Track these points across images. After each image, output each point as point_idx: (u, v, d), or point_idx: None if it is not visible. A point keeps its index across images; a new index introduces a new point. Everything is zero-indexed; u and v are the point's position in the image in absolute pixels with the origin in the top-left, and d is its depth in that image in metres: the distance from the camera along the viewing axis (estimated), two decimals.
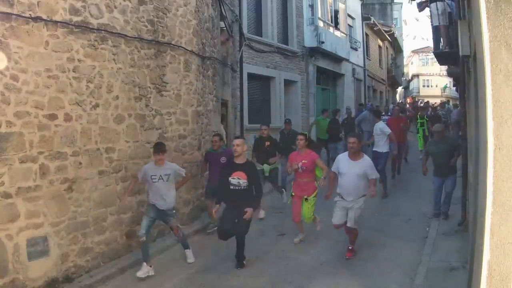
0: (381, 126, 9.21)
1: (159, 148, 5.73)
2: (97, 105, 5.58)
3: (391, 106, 21.68)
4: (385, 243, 6.32)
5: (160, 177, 5.61)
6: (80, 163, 5.34)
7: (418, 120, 13.26)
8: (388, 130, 9.08)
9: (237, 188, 5.58)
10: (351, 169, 5.65)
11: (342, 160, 5.87)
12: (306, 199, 6.28)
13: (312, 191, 6.32)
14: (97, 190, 5.58)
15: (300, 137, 6.53)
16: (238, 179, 5.59)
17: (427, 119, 13.23)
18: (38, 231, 4.81)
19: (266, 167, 8.32)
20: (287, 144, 9.12)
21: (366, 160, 5.79)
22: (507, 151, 2.15)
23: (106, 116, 5.74)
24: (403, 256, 5.81)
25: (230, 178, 5.62)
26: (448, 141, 7.35)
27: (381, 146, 9.14)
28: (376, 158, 8.77)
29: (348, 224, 5.74)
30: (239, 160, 5.71)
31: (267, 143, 8.51)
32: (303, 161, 6.23)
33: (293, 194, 6.46)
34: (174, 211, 5.80)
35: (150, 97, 6.48)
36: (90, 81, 5.47)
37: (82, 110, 5.37)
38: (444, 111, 17.86)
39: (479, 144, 3.26)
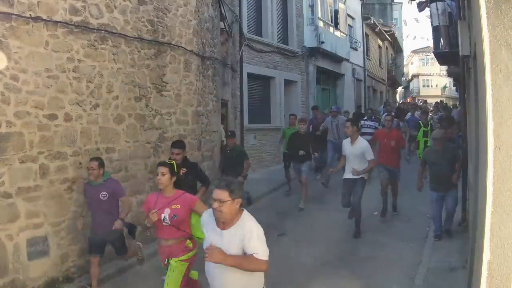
0: (363, 146, 6.55)
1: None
2: (97, 105, 5.58)
3: (381, 108, 18.49)
4: (385, 243, 6.32)
5: None
6: (80, 163, 5.34)
7: (422, 129, 9.85)
8: (370, 155, 6.51)
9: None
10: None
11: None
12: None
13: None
14: None
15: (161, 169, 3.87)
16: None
17: (431, 127, 9.95)
18: (38, 231, 4.80)
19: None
20: (231, 165, 7.46)
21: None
22: (507, 151, 2.15)
23: (106, 116, 5.73)
24: (403, 256, 5.81)
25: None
26: (449, 150, 6.37)
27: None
28: (348, 187, 6.67)
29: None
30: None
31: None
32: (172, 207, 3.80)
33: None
34: None
35: (150, 97, 6.48)
36: (90, 81, 5.47)
37: (82, 110, 5.37)
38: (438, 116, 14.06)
39: (479, 144, 3.26)
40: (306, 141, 8.54)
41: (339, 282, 5.08)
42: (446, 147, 6.40)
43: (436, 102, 21.41)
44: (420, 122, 10.30)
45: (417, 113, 14.06)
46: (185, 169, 5.21)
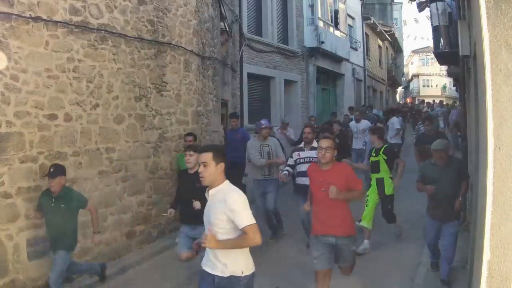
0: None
1: None
2: (97, 105, 5.58)
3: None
4: (385, 243, 6.32)
5: None
6: (80, 163, 5.34)
7: (372, 157, 6.22)
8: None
9: None
10: None
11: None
12: None
13: None
14: (97, 190, 5.58)
15: None
16: None
17: (385, 153, 6.09)
18: (38, 231, 4.80)
19: None
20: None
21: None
22: (507, 151, 2.14)
23: (106, 116, 5.73)
24: (403, 256, 5.81)
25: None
26: (453, 165, 4.92)
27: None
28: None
29: None
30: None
31: None
32: None
33: None
34: None
35: (150, 97, 6.48)
36: (90, 81, 5.47)
37: (82, 110, 5.37)
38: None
39: (479, 144, 3.26)
40: None
41: (339, 282, 5.06)
42: (450, 160, 4.96)
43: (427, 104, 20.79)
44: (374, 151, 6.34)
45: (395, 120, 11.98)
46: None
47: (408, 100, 33.27)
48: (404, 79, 41.50)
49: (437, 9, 7.99)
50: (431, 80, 48.63)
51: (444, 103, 21.67)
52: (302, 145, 6.24)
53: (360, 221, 6.06)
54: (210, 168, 2.87)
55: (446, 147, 4.99)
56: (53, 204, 4.46)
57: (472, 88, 4.67)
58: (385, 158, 6.12)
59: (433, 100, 29.75)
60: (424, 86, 49.19)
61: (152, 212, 6.54)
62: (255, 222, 2.79)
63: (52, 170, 4.43)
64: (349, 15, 19.85)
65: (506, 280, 2.15)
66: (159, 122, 6.68)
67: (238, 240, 2.80)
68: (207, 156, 2.87)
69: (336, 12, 17.24)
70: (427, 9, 8.96)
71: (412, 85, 49.04)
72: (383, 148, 6.21)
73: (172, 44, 6.91)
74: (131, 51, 6.11)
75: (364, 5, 23.23)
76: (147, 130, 6.44)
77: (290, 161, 6.13)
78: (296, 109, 14.67)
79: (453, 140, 13.99)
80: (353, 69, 20.27)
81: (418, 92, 47.27)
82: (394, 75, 30.29)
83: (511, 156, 2.14)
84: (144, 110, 6.39)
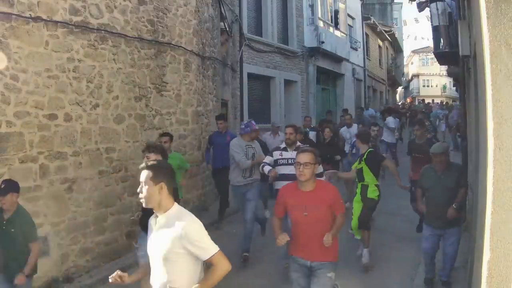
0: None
1: None
2: (97, 105, 5.58)
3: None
4: (385, 243, 6.32)
5: None
6: (80, 163, 5.34)
7: (357, 164, 5.76)
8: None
9: None
10: None
11: None
12: None
13: None
14: (97, 190, 5.58)
15: None
16: None
17: (366, 159, 5.59)
18: (38, 231, 4.78)
19: None
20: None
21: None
22: (507, 151, 2.14)
23: (106, 116, 5.73)
24: (403, 256, 5.81)
25: None
26: (452, 171, 4.61)
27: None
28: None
29: None
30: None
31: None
32: None
33: None
34: None
35: (150, 97, 6.48)
36: (90, 81, 5.47)
37: (82, 110, 5.37)
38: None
39: (479, 144, 3.26)
40: None
41: (339, 282, 5.07)
42: (450, 166, 4.66)
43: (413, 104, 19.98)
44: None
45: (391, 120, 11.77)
46: None
47: (408, 100, 33.26)
48: (404, 79, 41.52)
49: (437, 9, 7.98)
50: (431, 80, 48.64)
51: (445, 103, 21.50)
52: (283, 145, 5.55)
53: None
54: (149, 189, 2.42)
55: (446, 150, 4.67)
56: (4, 227, 3.80)
57: (472, 88, 4.67)
58: (367, 165, 5.57)
59: (433, 100, 29.70)
60: (424, 86, 49.20)
61: None
62: (218, 248, 2.43)
63: (2, 186, 3.80)
64: (349, 15, 19.86)
65: (506, 280, 2.15)
66: (159, 122, 6.68)
67: (211, 279, 2.41)
68: (144, 175, 2.44)
69: (336, 12, 17.25)
70: (427, 9, 8.96)
71: (412, 85, 49.06)
72: (365, 154, 5.66)
73: (172, 44, 6.91)
74: (131, 51, 6.11)
75: (364, 5, 23.24)
76: (147, 130, 6.44)
77: (268, 159, 5.51)
78: (296, 109, 14.67)
79: (453, 141, 14.00)
80: (353, 69, 20.27)
81: (418, 92, 47.28)
82: (394, 75, 30.30)
83: (511, 156, 2.14)
84: (144, 110, 6.39)
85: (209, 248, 2.40)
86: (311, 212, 3.32)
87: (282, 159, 5.36)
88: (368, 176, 5.58)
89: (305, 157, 3.34)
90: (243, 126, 6.10)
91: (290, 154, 5.24)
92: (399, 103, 31.48)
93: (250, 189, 5.92)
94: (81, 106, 5.35)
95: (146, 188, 2.44)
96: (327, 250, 3.34)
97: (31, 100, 4.75)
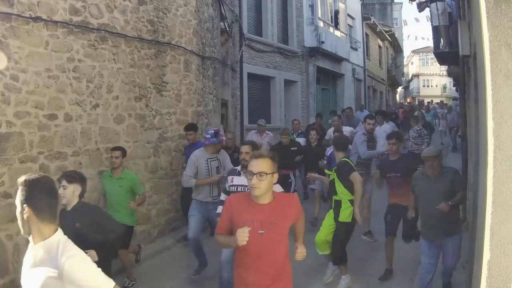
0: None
1: None
2: (97, 105, 5.58)
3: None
4: (385, 243, 6.30)
5: None
6: (80, 163, 5.34)
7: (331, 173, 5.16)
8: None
9: None
10: None
11: None
12: None
13: None
14: (97, 190, 5.58)
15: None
16: None
17: (336, 170, 4.94)
18: None
19: None
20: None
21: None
22: (507, 151, 2.15)
23: (106, 116, 5.74)
24: (403, 256, 5.81)
25: None
26: (446, 177, 4.25)
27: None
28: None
29: None
30: None
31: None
32: None
33: None
34: None
35: (150, 97, 6.48)
36: (90, 81, 5.47)
37: (82, 110, 5.37)
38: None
39: (479, 144, 3.26)
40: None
41: (339, 282, 5.07)
42: (443, 171, 4.29)
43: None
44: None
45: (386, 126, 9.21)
46: None
47: (408, 100, 33.23)
48: (404, 79, 41.50)
49: (437, 9, 7.98)
50: (431, 80, 48.65)
51: (445, 102, 21.43)
52: (239, 168, 4.36)
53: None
54: (19, 215, 1.93)
55: (439, 154, 4.27)
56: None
57: (472, 88, 4.67)
58: (338, 177, 4.81)
59: (432, 100, 29.64)
60: (424, 86, 49.21)
61: (152, 212, 6.54)
62: (114, 283, 1.95)
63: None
64: (349, 15, 19.86)
65: (506, 280, 2.15)
66: (159, 122, 6.68)
67: None
68: (17, 200, 1.94)
69: (336, 12, 17.26)
70: (427, 9, 8.95)
71: (412, 85, 49.06)
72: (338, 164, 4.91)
73: (172, 44, 6.91)
74: (131, 51, 6.11)
75: (364, 5, 23.24)
76: (147, 130, 6.44)
77: (225, 186, 4.52)
78: (296, 109, 14.68)
79: (452, 142, 14.08)
80: (353, 69, 20.27)
81: (418, 92, 47.28)
82: (394, 75, 30.28)
83: (511, 156, 2.14)
84: (144, 110, 6.39)
85: (102, 286, 1.89)
86: (269, 229, 2.56)
87: (233, 185, 4.27)
88: (340, 188, 4.79)
89: (259, 165, 2.52)
90: (208, 136, 5.16)
91: (243, 179, 4.07)
92: (399, 103, 31.48)
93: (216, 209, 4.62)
94: (81, 106, 5.35)
95: (19, 213, 1.94)
96: (279, 281, 2.75)
97: (31, 100, 4.75)
